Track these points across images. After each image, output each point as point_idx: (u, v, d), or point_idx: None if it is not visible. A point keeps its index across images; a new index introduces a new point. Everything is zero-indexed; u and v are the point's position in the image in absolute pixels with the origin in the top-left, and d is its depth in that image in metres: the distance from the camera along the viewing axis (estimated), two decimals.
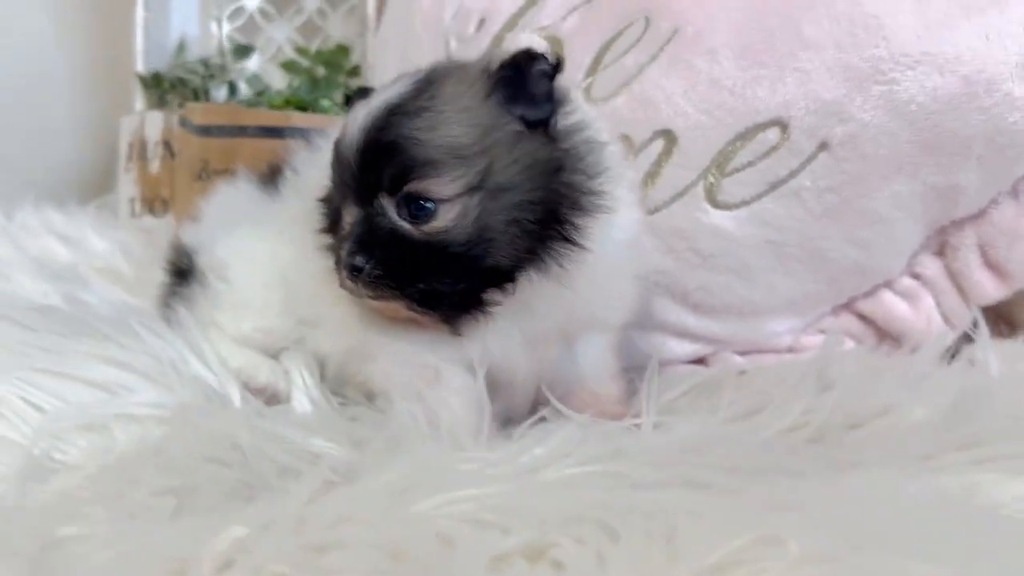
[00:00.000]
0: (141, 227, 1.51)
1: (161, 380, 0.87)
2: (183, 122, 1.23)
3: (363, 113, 0.80)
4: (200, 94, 1.73)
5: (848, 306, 1.13)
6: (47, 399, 0.80)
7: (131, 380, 0.85)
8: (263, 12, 2.09)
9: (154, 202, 1.52)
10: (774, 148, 1.00)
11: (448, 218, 0.77)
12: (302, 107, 1.34)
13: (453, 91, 0.80)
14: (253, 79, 1.88)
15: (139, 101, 1.75)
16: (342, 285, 0.80)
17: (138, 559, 0.55)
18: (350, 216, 0.81)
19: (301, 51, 1.94)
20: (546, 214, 0.79)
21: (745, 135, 1.01)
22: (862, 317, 1.13)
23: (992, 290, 1.08)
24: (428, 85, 0.80)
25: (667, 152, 1.05)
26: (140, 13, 1.81)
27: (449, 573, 0.51)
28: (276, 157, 1.08)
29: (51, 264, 1.36)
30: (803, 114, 0.98)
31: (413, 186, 0.77)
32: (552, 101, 0.80)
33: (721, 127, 1.02)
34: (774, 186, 1.02)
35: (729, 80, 1.00)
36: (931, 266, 1.10)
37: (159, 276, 1.06)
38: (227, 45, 1.97)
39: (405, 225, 0.78)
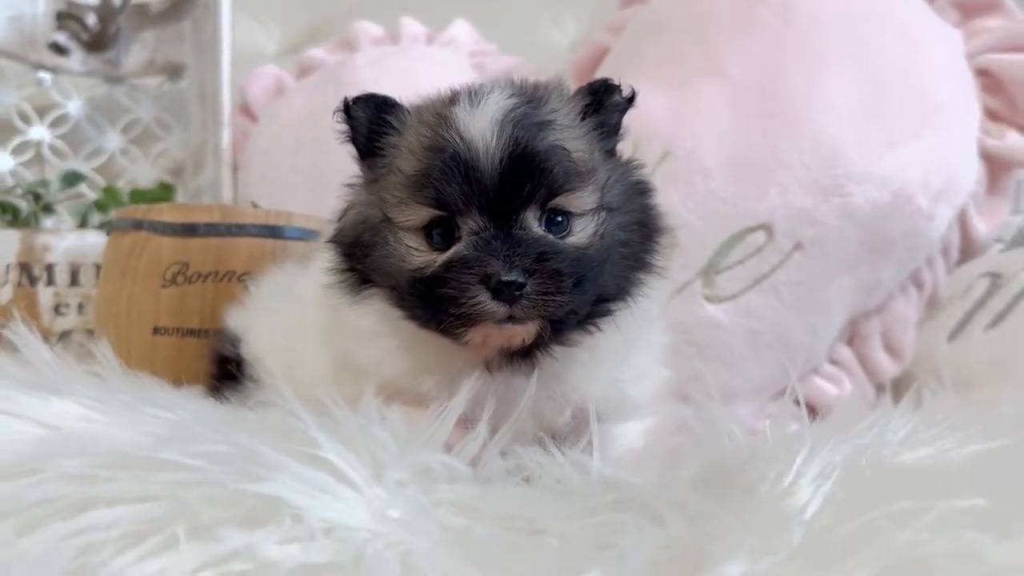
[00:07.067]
0: None
1: None
2: (140, 224, 1.07)
3: (488, 119, 0.72)
4: (32, 221, 1.50)
5: (784, 392, 1.31)
6: None
7: None
8: (54, 148, 1.89)
9: None
10: (760, 248, 1.19)
11: (586, 234, 0.74)
12: None
13: (561, 108, 0.76)
14: (82, 209, 1.67)
15: None
16: (474, 309, 0.69)
17: None
18: (474, 231, 0.71)
19: (109, 191, 1.77)
20: (642, 238, 0.78)
21: (737, 237, 1.18)
22: (796, 401, 1.32)
23: (890, 368, 1.33)
24: (538, 98, 0.76)
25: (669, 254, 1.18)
26: None
27: None
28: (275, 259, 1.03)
29: None
30: (783, 219, 1.18)
31: (559, 200, 0.72)
32: (618, 135, 0.80)
33: (716, 231, 1.18)
34: (758, 281, 1.20)
35: (722, 192, 1.18)
36: (845, 352, 1.33)
37: None
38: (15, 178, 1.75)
39: (550, 239, 0.72)
